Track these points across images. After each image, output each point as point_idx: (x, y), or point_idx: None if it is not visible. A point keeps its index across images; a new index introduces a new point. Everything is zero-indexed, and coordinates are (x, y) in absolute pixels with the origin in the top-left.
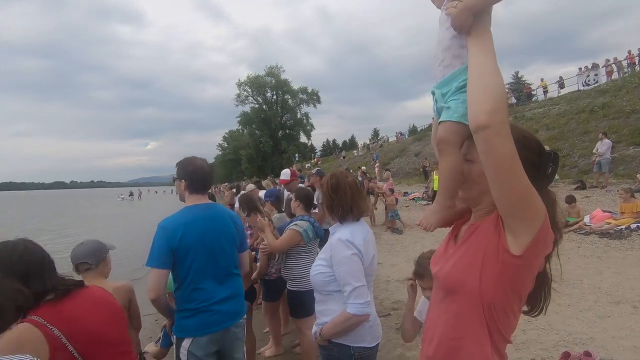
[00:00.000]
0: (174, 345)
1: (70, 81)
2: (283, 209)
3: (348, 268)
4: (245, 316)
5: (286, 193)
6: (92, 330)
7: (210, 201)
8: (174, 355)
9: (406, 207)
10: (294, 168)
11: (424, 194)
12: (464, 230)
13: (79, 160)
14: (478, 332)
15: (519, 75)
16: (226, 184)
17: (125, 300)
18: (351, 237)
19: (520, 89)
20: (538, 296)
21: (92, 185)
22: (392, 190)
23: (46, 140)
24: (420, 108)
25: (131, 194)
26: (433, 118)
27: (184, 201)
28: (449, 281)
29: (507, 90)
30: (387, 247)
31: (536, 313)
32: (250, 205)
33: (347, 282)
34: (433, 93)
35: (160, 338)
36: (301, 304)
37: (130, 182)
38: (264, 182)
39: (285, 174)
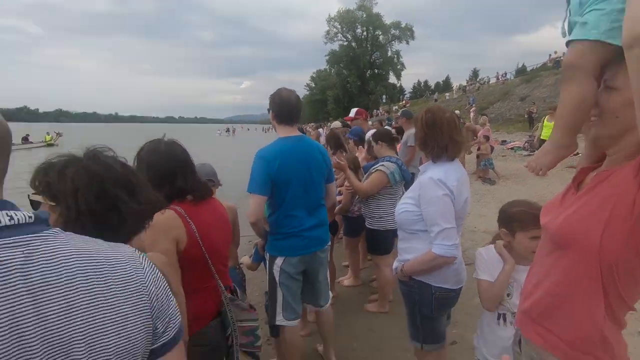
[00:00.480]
0: (267, 261)
1: (176, 21)
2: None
3: (438, 208)
4: (329, 244)
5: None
6: (214, 238)
7: (300, 134)
8: (266, 270)
9: (502, 156)
10: (381, 110)
11: (526, 144)
12: (590, 178)
13: (186, 97)
14: (590, 292)
15: None
16: (312, 123)
17: (232, 219)
18: (444, 176)
19: None
20: None
21: (195, 120)
22: (487, 138)
23: (161, 78)
24: (533, 44)
25: (227, 130)
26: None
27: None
28: (562, 234)
29: None
30: (476, 197)
31: None
32: (337, 142)
33: (436, 223)
34: (568, 2)
35: (252, 254)
36: (379, 243)
37: (226, 119)
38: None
39: (352, 111)
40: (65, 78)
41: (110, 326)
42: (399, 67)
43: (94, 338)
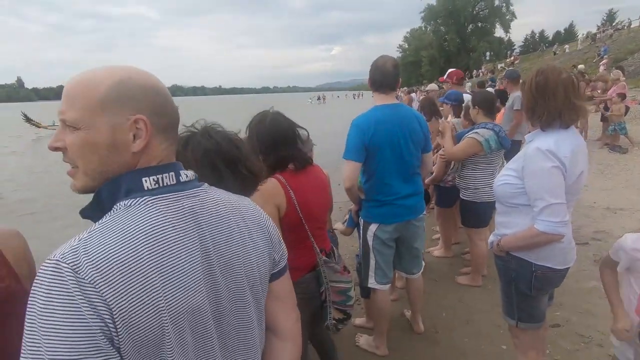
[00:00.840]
0: (361, 227)
1: None
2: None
3: (545, 181)
4: (424, 213)
5: (466, 97)
6: (312, 204)
7: (397, 101)
8: (359, 235)
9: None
10: (484, 69)
11: None
12: None
13: (279, 67)
14: None
15: None
16: (405, 88)
17: None
18: (555, 147)
19: None
20: None
21: (288, 90)
22: (622, 96)
23: (257, 51)
24: None
25: (318, 98)
26: None
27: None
28: None
29: None
30: (599, 168)
31: None
32: (432, 109)
33: (541, 197)
34: None
35: (346, 220)
36: (474, 215)
37: (317, 87)
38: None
39: (448, 73)
40: (178, 56)
41: (255, 255)
42: (508, 17)
43: (247, 265)
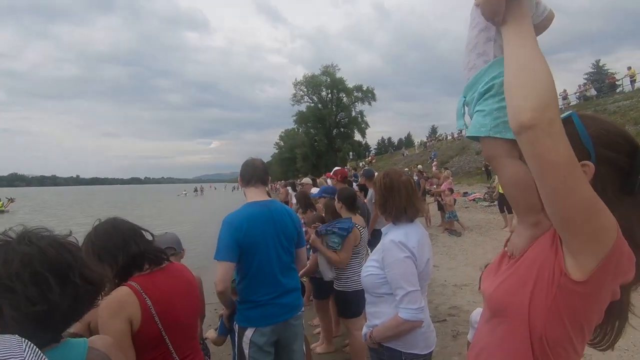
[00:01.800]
0: (235, 333)
1: (146, 86)
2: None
3: (401, 271)
4: (302, 310)
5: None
6: (176, 311)
7: (269, 198)
8: (233, 344)
9: (466, 208)
10: (349, 167)
11: (486, 195)
12: None
13: (152, 158)
14: None
15: (601, 64)
16: (282, 181)
17: None
18: (405, 239)
19: (602, 79)
20: (606, 329)
21: (162, 181)
22: (451, 190)
23: (127, 140)
24: None
25: (195, 190)
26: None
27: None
28: (495, 302)
29: (555, 87)
30: (444, 250)
31: (602, 347)
32: (307, 202)
33: (400, 286)
34: (462, 99)
35: (218, 327)
36: (348, 304)
37: (195, 179)
38: (318, 181)
39: (335, 171)
40: (22, 141)
41: None
42: (363, 125)
43: None
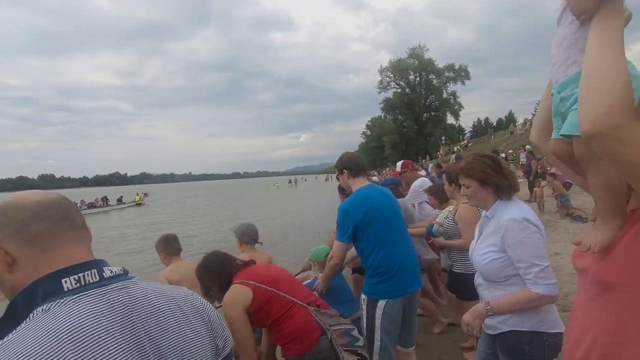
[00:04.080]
0: (365, 306)
1: (240, 88)
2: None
3: (531, 248)
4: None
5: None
6: (273, 274)
7: (370, 182)
8: (363, 314)
9: (582, 192)
10: (441, 152)
11: None
12: None
13: (249, 154)
14: None
15: None
16: (373, 171)
17: (268, 261)
18: (525, 215)
19: None
20: None
21: (258, 174)
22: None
23: (227, 139)
24: None
25: (290, 181)
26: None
27: (350, 192)
28: (610, 275)
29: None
30: (567, 237)
31: None
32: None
33: (532, 263)
34: (552, 95)
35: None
36: (468, 286)
37: (287, 172)
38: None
39: (398, 165)
40: (148, 146)
41: (195, 344)
42: (456, 107)
43: (187, 355)
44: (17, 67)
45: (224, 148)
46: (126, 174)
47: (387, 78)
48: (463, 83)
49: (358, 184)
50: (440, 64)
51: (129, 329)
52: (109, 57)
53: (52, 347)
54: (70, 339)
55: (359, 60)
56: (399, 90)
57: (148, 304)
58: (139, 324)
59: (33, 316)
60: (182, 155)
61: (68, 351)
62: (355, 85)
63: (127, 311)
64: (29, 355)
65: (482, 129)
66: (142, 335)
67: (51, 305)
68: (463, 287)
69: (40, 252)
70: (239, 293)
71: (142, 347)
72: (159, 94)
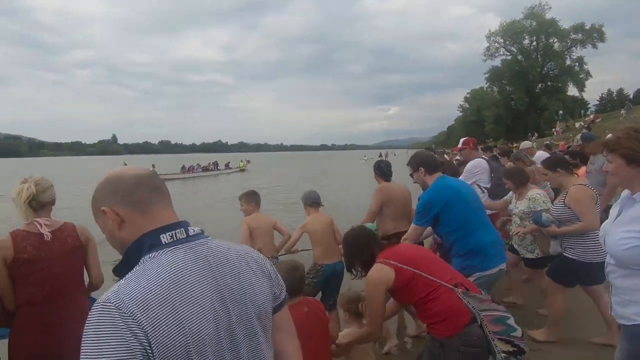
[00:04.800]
0: None
1: (330, 60)
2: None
3: None
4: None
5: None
6: (409, 250)
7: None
8: None
9: None
10: (558, 128)
11: None
12: None
13: (336, 126)
14: None
15: None
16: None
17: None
18: None
19: None
20: None
21: (345, 147)
22: None
23: (317, 111)
24: None
25: (380, 155)
26: None
27: (425, 188)
28: None
29: None
30: None
31: None
32: (521, 179)
33: None
34: None
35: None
36: (580, 274)
37: (374, 145)
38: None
39: (460, 142)
40: (245, 116)
41: (260, 291)
42: (582, 76)
43: (254, 300)
44: (142, 45)
45: (314, 120)
46: (227, 142)
47: (496, 44)
48: (594, 46)
49: (434, 179)
50: (564, 24)
51: (210, 274)
52: (215, 33)
53: (159, 281)
54: (170, 276)
55: (458, 25)
56: (509, 57)
57: (223, 257)
58: (216, 271)
59: (143, 261)
60: (275, 126)
61: (169, 284)
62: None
63: (208, 261)
64: (145, 286)
65: (613, 102)
66: (219, 280)
67: (155, 254)
68: (572, 275)
69: (141, 214)
70: (383, 273)
71: (220, 288)
72: (255, 68)
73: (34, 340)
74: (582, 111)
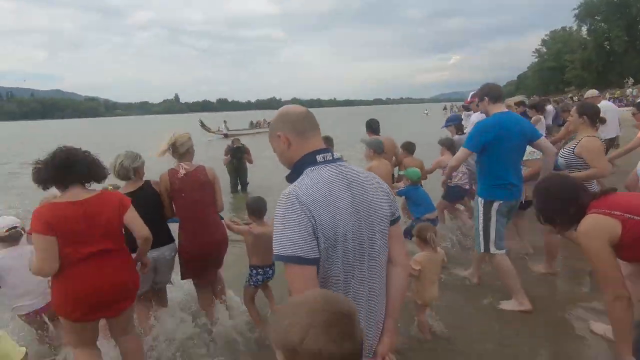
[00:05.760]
0: (482, 206)
1: (385, 3)
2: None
3: None
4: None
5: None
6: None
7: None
8: (479, 210)
9: None
10: None
11: None
12: None
13: (392, 78)
14: None
15: None
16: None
17: None
18: None
19: None
20: None
21: (401, 101)
22: None
23: (371, 63)
24: None
25: (445, 108)
26: None
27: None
28: None
29: None
30: None
31: None
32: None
33: None
34: None
35: None
36: None
37: (432, 99)
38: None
39: (469, 95)
40: (298, 71)
41: (381, 206)
42: None
43: (377, 210)
44: (197, 2)
45: (368, 72)
46: (280, 99)
47: None
48: None
49: (496, 109)
50: None
51: (349, 186)
52: None
53: (318, 185)
54: (324, 183)
55: None
56: None
57: (356, 177)
58: (353, 185)
59: (306, 173)
60: (327, 80)
61: (323, 187)
62: None
63: (347, 178)
64: (310, 185)
65: None
66: (355, 191)
67: (314, 168)
68: None
69: (303, 140)
70: (601, 223)
71: (354, 197)
72: (307, 19)
73: (187, 241)
74: None
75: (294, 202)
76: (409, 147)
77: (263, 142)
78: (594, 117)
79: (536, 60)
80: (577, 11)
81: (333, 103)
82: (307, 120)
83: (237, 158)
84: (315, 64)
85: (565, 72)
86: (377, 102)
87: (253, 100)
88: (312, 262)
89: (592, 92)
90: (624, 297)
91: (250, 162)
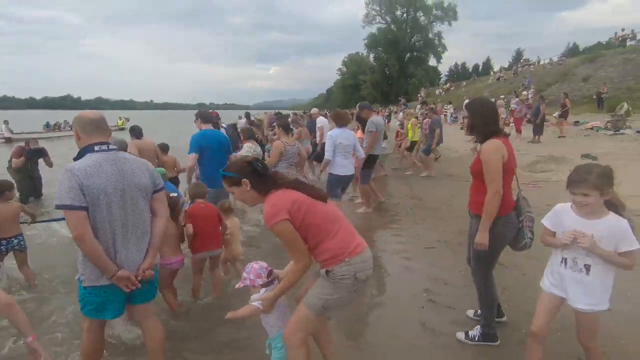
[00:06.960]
0: None
1: (209, 7)
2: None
3: None
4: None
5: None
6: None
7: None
8: None
9: (585, 136)
10: (422, 94)
11: (608, 124)
12: None
13: (216, 83)
14: None
15: None
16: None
17: None
18: None
19: None
20: None
21: (225, 107)
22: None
23: (193, 66)
24: (582, 21)
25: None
26: None
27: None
28: None
29: None
30: None
31: None
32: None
33: None
34: None
35: None
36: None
37: (255, 106)
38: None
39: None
40: (103, 67)
41: (143, 180)
42: (439, 49)
43: (139, 183)
44: None
45: (189, 76)
46: (79, 97)
47: (374, 11)
48: (450, 23)
49: (206, 126)
50: (430, 0)
51: (116, 163)
52: None
53: (89, 163)
54: (95, 161)
55: None
56: (384, 25)
57: (124, 159)
58: (118, 163)
59: (85, 156)
60: (143, 80)
61: (94, 164)
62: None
63: (115, 158)
64: (86, 163)
65: (459, 74)
66: (122, 172)
67: (91, 154)
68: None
69: (87, 136)
70: (500, 145)
71: (120, 170)
72: (114, 7)
73: None
74: (438, 80)
75: (69, 173)
76: (164, 147)
77: (64, 145)
78: (286, 127)
79: (339, 77)
80: (366, 41)
81: (149, 106)
82: (94, 124)
83: (34, 161)
84: (128, 61)
85: (361, 89)
86: (201, 106)
87: (38, 97)
88: (80, 209)
89: (314, 110)
90: (499, 193)
91: (50, 165)
